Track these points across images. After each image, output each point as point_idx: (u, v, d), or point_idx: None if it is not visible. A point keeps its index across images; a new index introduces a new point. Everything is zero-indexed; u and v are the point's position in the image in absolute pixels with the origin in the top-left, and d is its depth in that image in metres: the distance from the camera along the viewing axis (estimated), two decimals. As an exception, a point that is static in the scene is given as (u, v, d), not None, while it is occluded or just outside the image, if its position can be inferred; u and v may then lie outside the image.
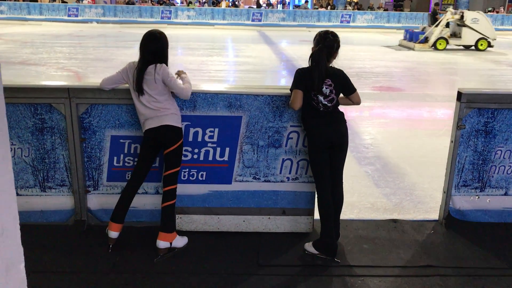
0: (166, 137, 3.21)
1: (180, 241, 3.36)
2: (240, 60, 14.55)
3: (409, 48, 18.01)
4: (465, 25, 17.50)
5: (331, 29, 3.33)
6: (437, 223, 3.88)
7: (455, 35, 18.05)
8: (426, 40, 17.89)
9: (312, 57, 3.20)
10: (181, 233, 3.48)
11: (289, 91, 3.25)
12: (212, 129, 3.37)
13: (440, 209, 3.89)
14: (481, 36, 17.52)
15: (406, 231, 3.75)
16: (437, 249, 3.51)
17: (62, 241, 3.48)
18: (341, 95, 3.29)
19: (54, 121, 3.46)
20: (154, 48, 3.15)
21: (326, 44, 3.17)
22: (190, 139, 3.38)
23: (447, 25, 17.82)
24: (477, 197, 3.83)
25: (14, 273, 1.21)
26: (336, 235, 3.42)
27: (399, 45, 19.18)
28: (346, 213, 3.63)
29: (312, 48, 3.24)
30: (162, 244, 3.26)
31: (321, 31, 3.27)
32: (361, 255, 3.39)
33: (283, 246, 3.46)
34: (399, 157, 5.75)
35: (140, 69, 3.12)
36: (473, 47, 17.81)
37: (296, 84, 3.18)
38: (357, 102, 3.34)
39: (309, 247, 3.36)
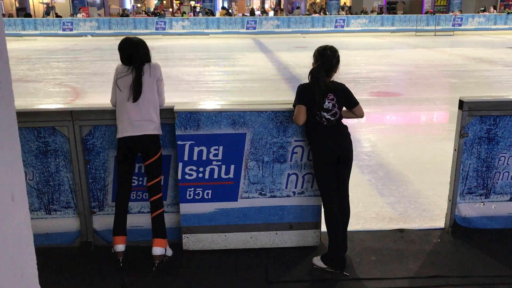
0: (147, 149, 3.21)
1: (169, 251, 3.40)
2: (236, 70, 14.57)
3: None
4: None
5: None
6: (443, 231, 3.88)
7: None
8: None
9: (311, 74, 3.20)
10: (189, 253, 3.47)
11: (292, 107, 3.26)
12: (217, 147, 3.37)
13: (446, 217, 3.89)
14: None
15: (413, 241, 3.75)
16: (444, 258, 3.50)
17: (68, 263, 3.47)
18: (344, 108, 3.30)
19: (58, 143, 3.46)
20: (141, 52, 3.21)
21: (325, 61, 3.17)
22: (195, 158, 3.38)
23: None
24: (482, 203, 3.84)
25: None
26: (344, 248, 3.41)
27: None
28: (352, 224, 3.62)
29: (312, 64, 3.24)
30: (159, 250, 3.27)
31: (320, 47, 3.24)
32: (370, 267, 3.39)
33: (291, 261, 3.45)
34: (401, 164, 5.76)
35: (137, 72, 3.14)
36: None
37: (299, 100, 3.19)
38: (360, 115, 3.35)
39: (317, 261, 3.35)
